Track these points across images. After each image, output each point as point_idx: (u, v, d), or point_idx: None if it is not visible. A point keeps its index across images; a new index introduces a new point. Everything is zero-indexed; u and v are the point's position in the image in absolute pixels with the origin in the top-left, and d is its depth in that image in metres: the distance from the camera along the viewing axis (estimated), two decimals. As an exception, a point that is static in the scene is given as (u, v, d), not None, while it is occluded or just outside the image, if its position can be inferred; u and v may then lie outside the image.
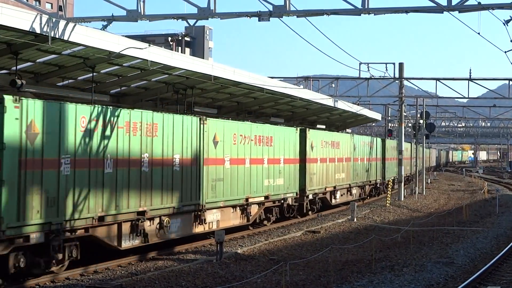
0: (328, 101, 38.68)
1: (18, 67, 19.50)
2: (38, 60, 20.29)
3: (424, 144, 60.60)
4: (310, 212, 33.78)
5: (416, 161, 55.46)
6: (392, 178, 49.98)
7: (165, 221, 20.82)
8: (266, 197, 27.74)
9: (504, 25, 19.33)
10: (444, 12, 17.37)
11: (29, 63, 20.38)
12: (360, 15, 17.60)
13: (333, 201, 37.09)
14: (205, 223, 23.17)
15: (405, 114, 50.10)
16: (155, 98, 27.51)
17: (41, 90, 21.32)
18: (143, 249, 20.83)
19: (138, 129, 19.59)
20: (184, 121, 21.89)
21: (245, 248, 22.91)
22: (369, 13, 17.52)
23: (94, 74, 21.54)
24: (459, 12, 17.51)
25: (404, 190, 45.82)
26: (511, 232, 28.52)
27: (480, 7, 17.04)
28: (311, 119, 45.16)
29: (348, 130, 60.98)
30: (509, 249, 22.80)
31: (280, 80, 37.89)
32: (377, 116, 56.95)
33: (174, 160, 21.30)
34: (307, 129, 32.52)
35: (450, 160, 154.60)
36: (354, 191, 41.38)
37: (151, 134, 20.13)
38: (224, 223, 24.61)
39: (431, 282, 17.27)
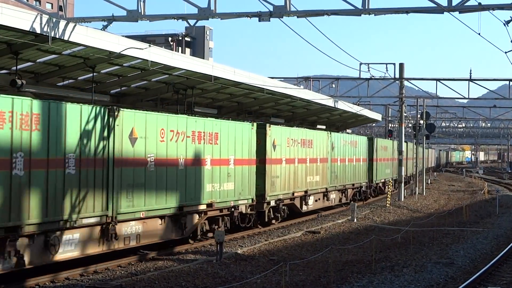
0: (328, 101, 38.69)
1: (18, 67, 19.51)
2: (38, 60, 20.31)
3: (424, 145, 60.59)
4: (274, 221, 29.29)
5: (415, 162, 55.43)
6: (383, 180, 48.92)
7: (52, 238, 16.60)
8: (210, 205, 23.22)
9: (505, 25, 19.36)
10: (444, 12, 17.37)
11: (29, 63, 20.40)
12: (360, 15, 17.61)
13: (304, 207, 32.35)
14: (117, 239, 18.71)
15: (405, 114, 50.13)
16: (156, 98, 27.55)
17: (41, 90, 21.34)
18: (143, 249, 20.80)
19: (6, 121, 15.30)
20: (83, 112, 17.46)
21: (245, 249, 22.91)
22: (369, 14, 17.53)
23: (94, 74, 21.55)
24: (459, 13, 17.53)
25: (404, 191, 45.78)
26: (511, 232, 28.50)
27: (480, 8, 17.05)
28: (312, 120, 45.19)
29: (349, 131, 60.97)
30: (509, 250, 22.78)
31: (280, 80, 37.90)
32: (378, 116, 56.98)
33: (67, 160, 16.88)
34: (268, 125, 28.12)
35: (450, 161, 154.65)
36: (332, 195, 36.73)
37: (29, 127, 15.81)
38: (148, 238, 20.28)
39: (431, 283, 17.26)
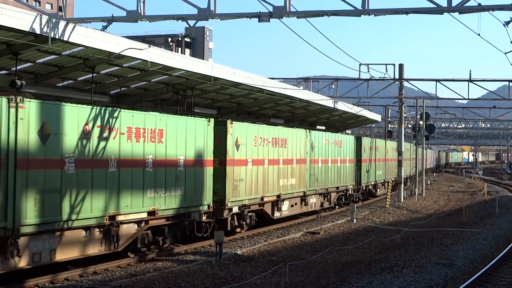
0: (328, 102, 38.69)
1: (18, 67, 19.51)
2: (38, 61, 20.32)
3: (424, 145, 60.59)
4: (239, 229, 26.30)
5: (413, 163, 55.32)
6: (373, 182, 47.31)
7: None
8: (152, 213, 20.16)
9: (504, 26, 19.36)
10: (444, 13, 17.37)
11: (29, 64, 20.42)
12: (360, 16, 17.60)
13: (277, 214, 29.24)
14: (20, 256, 15.78)
15: (405, 115, 50.10)
16: (155, 99, 27.55)
17: (41, 91, 21.33)
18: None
19: None
20: None
21: (244, 249, 22.91)
22: (369, 14, 17.51)
23: (94, 74, 21.56)
24: (459, 13, 17.52)
25: (403, 191, 45.76)
26: (510, 233, 28.50)
27: (480, 8, 17.04)
28: (311, 120, 45.21)
29: (348, 131, 60.95)
30: (508, 251, 22.78)
31: (280, 81, 37.92)
32: (377, 117, 56.98)
33: None
34: (229, 121, 24.87)
35: (449, 162, 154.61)
36: (311, 200, 33.53)
37: None
38: (67, 253, 17.21)
39: (430, 284, 17.25)
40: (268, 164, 27.96)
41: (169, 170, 21.03)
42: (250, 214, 26.83)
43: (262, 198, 27.44)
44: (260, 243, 24.57)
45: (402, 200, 44.24)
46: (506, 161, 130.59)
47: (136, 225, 19.79)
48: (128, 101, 26.29)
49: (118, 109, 19.01)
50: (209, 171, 23.34)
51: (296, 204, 31.58)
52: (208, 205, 23.23)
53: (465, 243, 24.74)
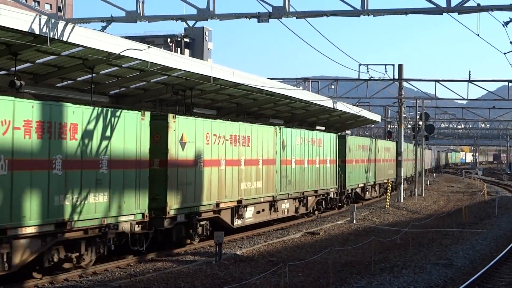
0: (327, 102, 38.69)
1: (17, 68, 19.51)
2: (37, 61, 20.32)
3: (424, 145, 60.60)
4: (189, 240, 22.86)
5: (412, 163, 55.30)
6: (361, 185, 43.99)
7: None
8: (62, 225, 16.77)
9: (504, 26, 19.38)
10: (443, 13, 17.37)
11: (28, 64, 20.42)
12: (359, 16, 17.61)
13: (238, 222, 25.59)
14: None
15: (404, 115, 50.09)
16: (155, 99, 27.55)
17: (40, 91, 21.34)
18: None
19: None
20: None
21: (244, 250, 22.91)
22: (368, 15, 17.52)
23: (93, 75, 21.55)
24: (458, 14, 17.53)
25: (403, 192, 45.75)
26: (510, 233, 28.50)
27: (479, 9, 17.05)
28: (311, 121, 45.22)
29: (348, 132, 60.93)
30: (508, 251, 22.78)
31: (279, 81, 37.93)
32: (377, 117, 56.99)
33: None
34: (171, 115, 21.30)
35: (449, 162, 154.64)
36: (283, 205, 29.88)
37: None
38: None
39: (430, 284, 17.25)
40: (225, 165, 24.37)
41: (87, 172, 17.63)
42: (202, 223, 23.28)
43: (217, 205, 23.85)
44: (260, 243, 24.57)
45: (401, 200, 44.25)
46: (505, 162, 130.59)
47: (39, 240, 16.34)
48: (128, 101, 26.30)
49: (12, 98, 15.66)
50: (143, 173, 19.79)
51: (263, 210, 28.02)
52: (143, 214, 19.76)
53: (464, 244, 24.74)
